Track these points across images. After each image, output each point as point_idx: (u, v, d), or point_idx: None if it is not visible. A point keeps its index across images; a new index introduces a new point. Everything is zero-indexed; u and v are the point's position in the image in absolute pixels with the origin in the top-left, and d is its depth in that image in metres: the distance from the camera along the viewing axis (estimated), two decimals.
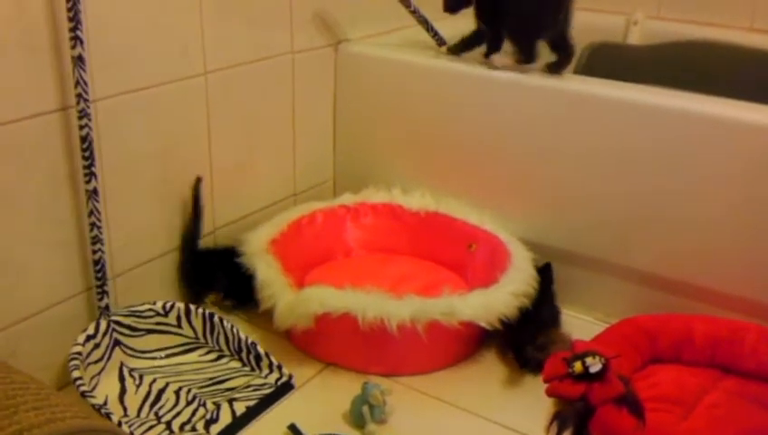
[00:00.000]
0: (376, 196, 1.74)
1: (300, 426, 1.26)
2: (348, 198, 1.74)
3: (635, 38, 2.11)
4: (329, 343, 1.43)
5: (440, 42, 1.73)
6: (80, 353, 1.26)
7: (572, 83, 1.54)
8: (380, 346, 1.38)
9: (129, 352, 1.39)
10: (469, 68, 1.62)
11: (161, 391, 1.33)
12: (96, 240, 1.30)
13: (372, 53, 1.73)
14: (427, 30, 1.72)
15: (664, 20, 2.11)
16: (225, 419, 1.26)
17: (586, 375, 1.12)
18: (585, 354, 1.14)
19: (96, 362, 1.32)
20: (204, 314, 1.41)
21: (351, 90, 1.77)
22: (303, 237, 1.64)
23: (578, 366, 1.13)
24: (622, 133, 1.46)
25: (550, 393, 1.17)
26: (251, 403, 1.30)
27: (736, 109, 1.39)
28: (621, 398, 1.12)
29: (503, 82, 1.58)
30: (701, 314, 1.44)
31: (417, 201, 1.71)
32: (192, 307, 1.41)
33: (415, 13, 1.67)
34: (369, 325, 1.33)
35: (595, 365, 1.12)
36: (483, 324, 1.38)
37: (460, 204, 1.68)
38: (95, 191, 1.28)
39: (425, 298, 1.38)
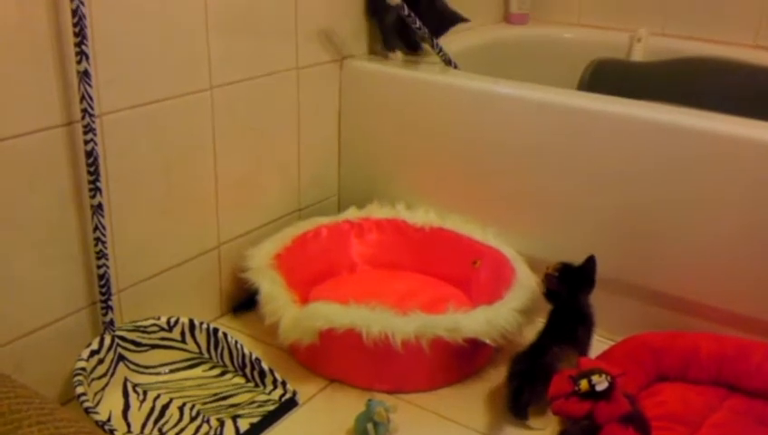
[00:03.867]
0: (380, 211, 1.74)
1: None
2: (352, 214, 1.74)
3: (639, 55, 2.12)
4: (333, 359, 1.42)
5: (445, 58, 1.74)
6: (84, 369, 1.25)
7: (576, 99, 1.54)
8: (385, 362, 1.37)
9: (133, 367, 1.38)
10: (473, 83, 1.63)
11: (165, 407, 1.32)
12: (101, 255, 1.30)
13: (377, 69, 1.74)
14: (432, 47, 1.72)
15: (668, 37, 2.12)
16: None
17: (592, 393, 1.12)
18: (591, 372, 1.14)
19: (100, 377, 1.32)
20: (208, 330, 1.41)
21: (356, 105, 1.78)
22: (308, 253, 1.64)
23: (584, 384, 1.13)
24: (626, 150, 1.46)
25: (555, 411, 1.17)
26: (254, 420, 1.29)
27: (740, 126, 1.39)
28: (627, 416, 1.12)
29: (506, 97, 1.58)
30: (707, 332, 1.43)
31: (422, 217, 1.71)
32: (196, 322, 1.41)
33: (420, 29, 1.67)
34: (374, 341, 1.32)
35: (601, 383, 1.12)
36: (487, 341, 1.37)
37: (464, 220, 1.68)
38: (100, 206, 1.28)
39: (429, 314, 1.38)
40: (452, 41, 1.73)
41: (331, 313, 1.36)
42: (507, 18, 2.32)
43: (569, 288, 1.40)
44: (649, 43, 2.11)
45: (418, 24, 1.66)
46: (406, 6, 1.64)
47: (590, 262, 1.41)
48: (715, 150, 1.38)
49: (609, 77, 2.09)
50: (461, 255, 1.66)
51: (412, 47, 1.75)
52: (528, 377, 1.30)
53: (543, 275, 1.42)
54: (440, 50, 1.73)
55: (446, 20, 1.73)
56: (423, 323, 1.35)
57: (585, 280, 1.41)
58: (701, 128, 1.40)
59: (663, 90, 2.00)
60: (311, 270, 1.64)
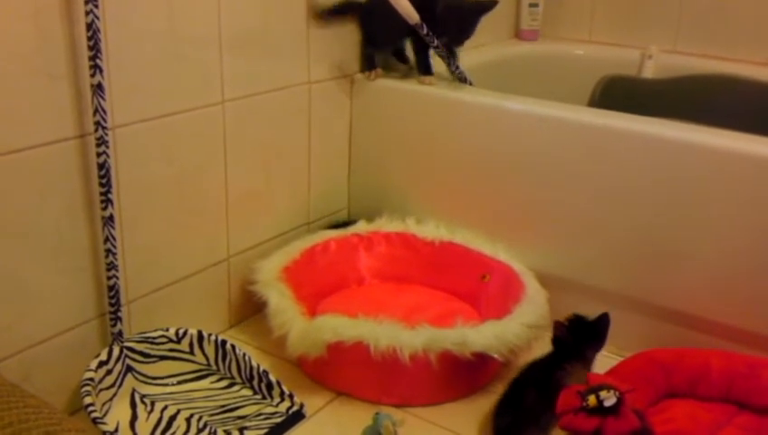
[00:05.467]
0: (390, 225, 1.75)
1: None
2: (362, 227, 1.75)
3: (649, 72, 2.12)
4: (341, 372, 1.42)
5: (461, 76, 1.73)
6: (92, 379, 1.26)
7: (587, 116, 1.54)
8: (392, 376, 1.37)
9: (141, 378, 1.39)
10: (484, 99, 1.63)
11: (172, 418, 1.33)
12: (111, 266, 1.31)
13: (388, 84, 1.75)
14: (449, 65, 1.72)
15: (679, 54, 2.12)
16: None
17: (600, 409, 1.11)
18: (600, 388, 1.13)
19: (108, 387, 1.32)
20: (216, 341, 1.41)
21: (367, 120, 1.78)
22: (316, 266, 1.65)
23: (592, 400, 1.12)
24: (636, 166, 1.46)
25: (563, 427, 1.16)
26: (262, 432, 1.29)
27: (751, 143, 1.39)
28: (636, 432, 1.11)
29: (517, 113, 1.59)
30: (717, 348, 1.42)
31: (432, 231, 1.71)
32: (205, 334, 1.41)
33: (437, 48, 1.67)
34: (382, 355, 1.32)
35: (609, 399, 1.11)
36: (495, 356, 1.37)
37: (474, 234, 1.68)
38: (111, 218, 1.29)
39: (437, 328, 1.38)
40: (462, 57, 1.74)
41: (339, 326, 1.36)
42: (518, 34, 2.33)
43: (575, 340, 1.32)
44: (660, 60, 2.11)
45: (436, 42, 1.66)
46: (425, 25, 1.63)
47: (604, 319, 1.32)
48: (725, 167, 1.38)
49: (620, 94, 2.09)
50: (470, 269, 1.66)
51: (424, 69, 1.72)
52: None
53: (553, 322, 1.34)
54: (457, 68, 1.72)
55: (468, 14, 1.63)
56: (431, 337, 1.34)
57: (595, 336, 1.33)
58: (712, 145, 1.40)
59: (674, 107, 2.00)
60: (319, 283, 1.65)
